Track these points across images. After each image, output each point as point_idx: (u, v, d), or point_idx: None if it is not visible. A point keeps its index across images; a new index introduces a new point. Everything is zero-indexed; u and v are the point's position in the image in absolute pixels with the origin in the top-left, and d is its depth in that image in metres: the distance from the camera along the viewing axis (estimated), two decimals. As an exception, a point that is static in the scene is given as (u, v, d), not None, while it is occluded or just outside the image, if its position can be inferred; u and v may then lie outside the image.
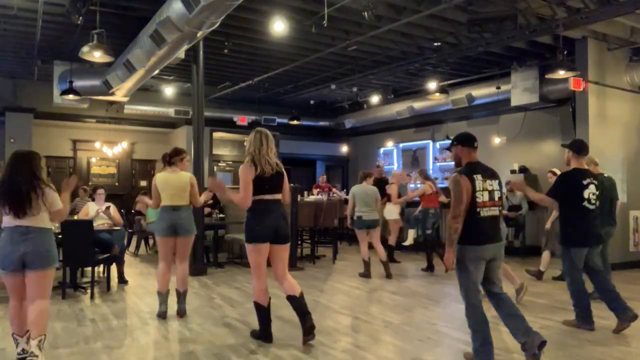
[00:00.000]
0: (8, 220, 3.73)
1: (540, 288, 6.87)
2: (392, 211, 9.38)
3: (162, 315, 5.23)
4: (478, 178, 3.83)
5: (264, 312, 4.48)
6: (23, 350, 3.82)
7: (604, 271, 5.14)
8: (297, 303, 4.43)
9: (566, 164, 5.18)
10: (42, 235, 3.75)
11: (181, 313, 5.34)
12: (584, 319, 4.94)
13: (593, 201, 4.88)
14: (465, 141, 4.01)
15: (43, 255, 3.71)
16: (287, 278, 4.50)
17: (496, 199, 3.91)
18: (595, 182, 4.94)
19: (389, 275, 7.62)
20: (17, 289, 3.78)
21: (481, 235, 3.83)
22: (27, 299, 3.75)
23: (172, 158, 5.42)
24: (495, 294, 4.01)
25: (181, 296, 5.39)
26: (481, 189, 3.82)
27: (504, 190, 10.09)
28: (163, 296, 5.31)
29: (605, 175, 6.35)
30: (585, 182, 4.87)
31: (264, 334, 4.50)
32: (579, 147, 5.04)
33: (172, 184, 5.33)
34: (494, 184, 3.90)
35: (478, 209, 3.81)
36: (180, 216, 5.29)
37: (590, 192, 4.86)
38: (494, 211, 3.89)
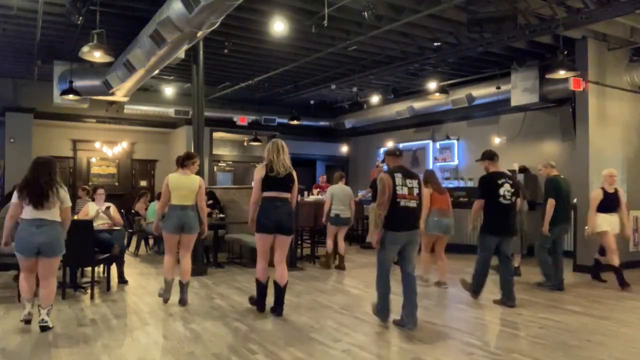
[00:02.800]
0: (28, 213, 4.58)
1: (537, 288, 6.87)
2: None
3: (165, 300, 5.77)
4: (398, 176, 4.88)
5: (262, 287, 5.39)
6: (29, 313, 4.72)
7: (510, 259, 6.03)
8: (279, 292, 5.30)
9: (485, 171, 6.01)
10: (54, 228, 4.65)
11: (183, 302, 5.73)
12: (477, 292, 6.00)
13: (508, 197, 5.76)
14: (388, 153, 5.26)
15: (55, 245, 4.65)
16: (282, 265, 5.32)
17: (414, 194, 4.91)
18: (510, 182, 5.83)
19: (342, 267, 8.39)
20: (29, 268, 4.71)
21: (398, 223, 4.84)
22: (39, 276, 4.74)
23: (185, 161, 5.83)
24: (406, 272, 4.98)
25: (184, 287, 5.78)
26: (401, 184, 4.86)
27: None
28: (169, 283, 5.76)
29: (562, 176, 7.07)
30: (500, 182, 5.78)
31: (258, 304, 5.42)
32: (491, 156, 6.02)
33: (184, 185, 5.73)
34: (413, 183, 4.93)
35: (398, 200, 4.82)
36: (188, 215, 5.69)
37: (505, 189, 5.76)
38: (412, 203, 4.88)
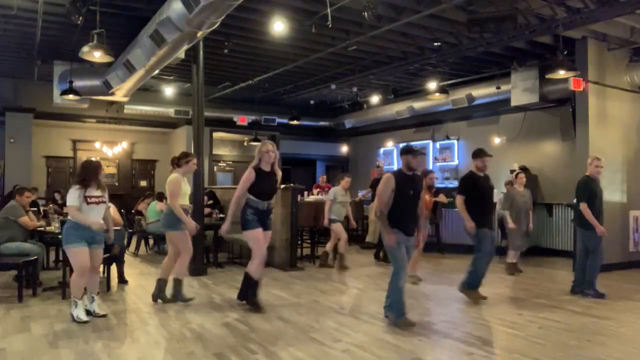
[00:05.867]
0: None
1: (537, 288, 6.87)
2: None
3: (163, 300, 5.83)
4: None
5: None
6: None
7: None
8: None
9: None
10: None
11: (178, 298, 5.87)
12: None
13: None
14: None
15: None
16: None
17: None
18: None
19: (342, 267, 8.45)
20: None
21: None
22: None
23: (180, 160, 5.93)
24: None
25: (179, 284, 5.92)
26: None
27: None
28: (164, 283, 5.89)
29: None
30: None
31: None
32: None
33: (186, 186, 5.92)
34: None
35: None
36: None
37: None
38: None
